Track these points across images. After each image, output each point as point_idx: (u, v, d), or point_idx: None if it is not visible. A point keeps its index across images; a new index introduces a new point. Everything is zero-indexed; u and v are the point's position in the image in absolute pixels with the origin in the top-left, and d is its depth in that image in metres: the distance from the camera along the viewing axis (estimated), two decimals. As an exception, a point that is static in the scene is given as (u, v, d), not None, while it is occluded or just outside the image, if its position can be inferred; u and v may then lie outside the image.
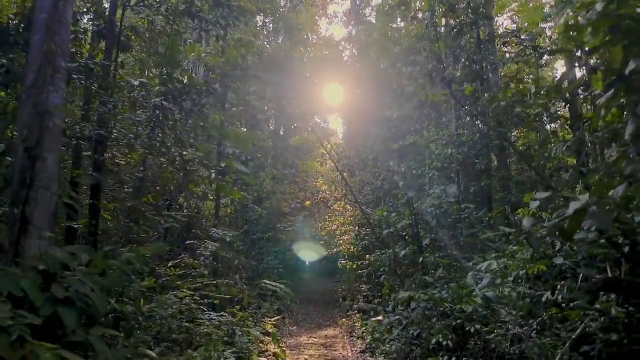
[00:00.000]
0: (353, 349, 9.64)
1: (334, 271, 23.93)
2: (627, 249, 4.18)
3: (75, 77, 6.91)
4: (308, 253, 22.17)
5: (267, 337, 9.50)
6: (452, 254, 9.27)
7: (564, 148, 6.54)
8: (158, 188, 9.20)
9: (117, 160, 7.97)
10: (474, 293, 6.02)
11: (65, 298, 4.12)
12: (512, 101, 9.21)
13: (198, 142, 9.45)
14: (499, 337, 5.43)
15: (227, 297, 9.31)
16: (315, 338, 11.24)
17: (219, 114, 10.60)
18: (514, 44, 13.72)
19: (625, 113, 4.42)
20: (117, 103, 7.23)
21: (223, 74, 10.46)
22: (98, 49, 8.42)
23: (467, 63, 10.46)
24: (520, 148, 11.59)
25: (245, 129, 17.31)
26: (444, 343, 6.17)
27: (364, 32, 16.41)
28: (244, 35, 13.59)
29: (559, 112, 11.74)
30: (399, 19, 13.66)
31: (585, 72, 12.78)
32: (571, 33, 4.02)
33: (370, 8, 24.24)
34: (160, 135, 7.85)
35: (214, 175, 9.60)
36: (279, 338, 9.90)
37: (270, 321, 11.01)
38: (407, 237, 11.22)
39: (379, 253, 12.16)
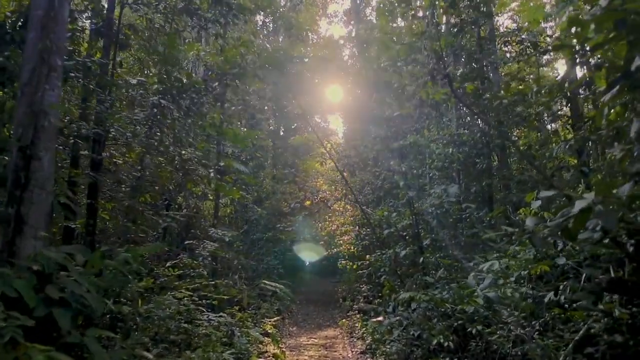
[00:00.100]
0: (353, 350, 9.58)
1: (334, 271, 23.88)
2: (631, 249, 4.12)
3: (73, 75, 6.84)
4: (308, 253, 22.13)
5: (266, 338, 9.44)
6: (453, 254, 9.21)
7: (566, 147, 6.47)
8: (157, 187, 9.13)
9: (114, 160, 7.90)
10: (475, 293, 5.96)
11: (60, 299, 4.06)
12: (513, 100, 9.16)
13: (197, 141, 9.39)
14: (500, 338, 5.37)
15: (226, 297, 9.24)
16: (315, 338, 11.18)
17: (217, 112, 10.54)
18: (514, 43, 13.67)
19: (628, 111, 4.36)
20: (115, 101, 7.15)
21: (222, 72, 10.40)
22: (96, 48, 8.36)
23: (468, 61, 10.40)
24: (521, 147, 11.52)
25: (245, 129, 17.26)
26: (445, 344, 6.10)
27: (365, 31, 16.36)
28: (243, 34, 13.54)
29: (559, 112, 11.67)
30: (399, 19, 13.61)
31: (585, 70, 12.72)
32: (573, 29, 3.95)
33: (370, 8, 24.18)
34: (158, 133, 7.79)
35: (212, 175, 9.53)
36: (279, 339, 9.84)
37: (269, 322, 10.95)
38: (407, 237, 11.16)
39: (379, 253, 12.10)
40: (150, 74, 9.28)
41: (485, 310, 5.85)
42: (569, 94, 8.81)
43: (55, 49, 4.87)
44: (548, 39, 12.94)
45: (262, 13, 20.54)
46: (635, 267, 4.40)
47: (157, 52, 8.37)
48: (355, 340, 10.53)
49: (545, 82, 13.87)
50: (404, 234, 11.27)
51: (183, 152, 8.18)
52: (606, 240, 4.15)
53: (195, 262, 9.10)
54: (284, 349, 9.30)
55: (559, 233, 3.42)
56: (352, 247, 17.42)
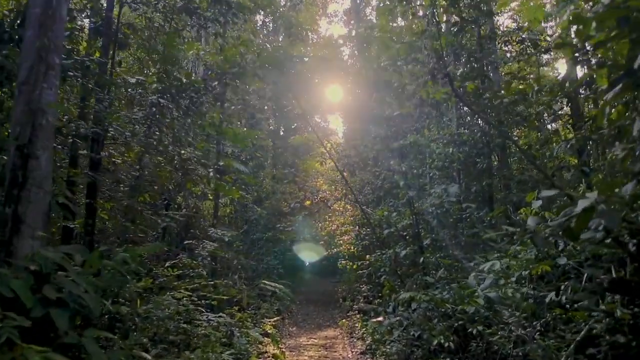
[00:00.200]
0: (353, 350, 9.55)
1: (334, 271, 23.85)
2: (633, 248, 4.08)
3: (72, 74, 6.81)
4: (308, 253, 22.10)
5: (266, 338, 9.41)
6: (453, 254, 9.18)
7: (568, 146, 6.43)
8: (156, 187, 9.09)
9: (113, 159, 7.86)
10: (476, 294, 5.92)
11: (58, 299, 4.02)
12: (514, 99, 9.12)
13: (196, 141, 9.35)
14: (501, 338, 5.33)
15: (226, 297, 9.20)
16: (314, 339, 11.15)
17: (217, 112, 10.50)
18: (514, 43, 13.64)
19: (629, 110, 4.33)
20: (114, 100, 7.12)
21: (221, 72, 10.36)
22: (95, 47, 8.32)
23: (468, 60, 10.37)
24: (522, 147, 11.49)
25: (245, 128, 17.22)
26: (445, 344, 6.07)
27: (365, 29, 16.31)
28: (243, 33, 13.50)
29: (559, 112, 11.65)
30: (399, 19, 13.57)
31: (586, 70, 12.69)
32: (573, 27, 3.92)
33: (370, 7, 24.15)
34: (157, 133, 7.75)
35: (212, 174, 9.49)
36: (278, 339, 9.81)
37: (269, 322, 10.92)
38: (407, 237, 11.12)
39: (379, 253, 12.07)
40: (150, 74, 9.25)
41: (486, 310, 5.81)
42: (571, 93, 8.78)
43: (53, 47, 4.84)
44: (548, 39, 12.92)
45: (262, 13, 20.51)
46: (637, 267, 4.37)
47: (156, 51, 8.33)
48: (355, 340, 10.50)
49: (546, 81, 13.85)
50: (404, 233, 11.23)
51: (182, 151, 8.15)
52: (608, 240, 4.13)
53: (194, 262, 9.06)
54: (283, 349, 9.27)
55: (561, 233, 3.39)
56: (352, 247, 17.39)
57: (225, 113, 11.91)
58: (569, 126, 12.30)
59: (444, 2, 8.90)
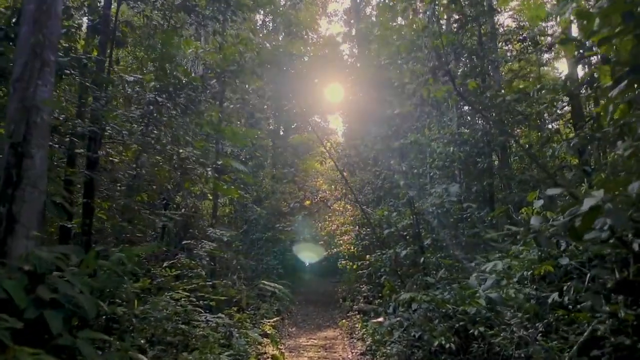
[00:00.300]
0: (353, 351, 9.48)
1: (334, 271, 23.77)
2: (637, 248, 4.02)
3: (69, 72, 6.73)
4: (308, 253, 22.02)
5: (265, 339, 9.33)
6: (454, 254, 9.11)
7: (571, 145, 6.37)
8: (154, 187, 9.02)
9: (111, 158, 7.79)
10: (477, 294, 5.85)
11: (52, 300, 3.95)
12: (515, 98, 9.06)
13: (196, 140, 9.28)
14: (503, 340, 5.26)
15: (225, 298, 9.13)
16: (314, 339, 11.08)
17: (216, 111, 10.43)
18: (515, 42, 13.59)
19: (633, 108, 4.25)
20: (111, 99, 7.04)
21: (220, 70, 10.29)
22: (92, 45, 8.25)
23: (471, 57, 10.30)
24: (524, 145, 11.43)
25: (244, 128, 17.15)
26: (446, 346, 5.99)
27: (365, 28, 16.24)
28: (242, 31, 13.42)
29: (559, 111, 11.59)
30: (399, 18, 13.51)
31: (587, 69, 12.64)
32: (575, 25, 3.86)
33: (370, 7, 24.09)
34: (155, 131, 7.68)
35: (210, 173, 9.42)
36: (278, 340, 9.73)
37: (268, 322, 10.84)
38: (408, 237, 11.05)
39: (379, 253, 12.00)
40: (147, 72, 9.18)
41: (487, 311, 5.74)
42: (573, 92, 8.71)
43: (48, 44, 4.76)
44: (549, 38, 12.86)
45: (261, 12, 20.46)
46: (640, 267, 4.30)
47: (154, 49, 8.26)
48: (355, 341, 10.43)
49: (546, 81, 13.79)
50: (405, 233, 11.17)
51: (181, 150, 8.07)
52: (611, 240, 4.06)
53: (193, 262, 8.99)
54: (283, 350, 9.20)
55: (564, 232, 3.32)
56: (352, 247, 17.31)
57: (225, 112, 11.84)
58: (569, 125, 12.24)
59: (444, 1, 8.85)
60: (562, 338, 4.83)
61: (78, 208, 7.60)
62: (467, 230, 10.24)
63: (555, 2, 12.78)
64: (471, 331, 5.72)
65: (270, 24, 24.43)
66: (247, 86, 13.70)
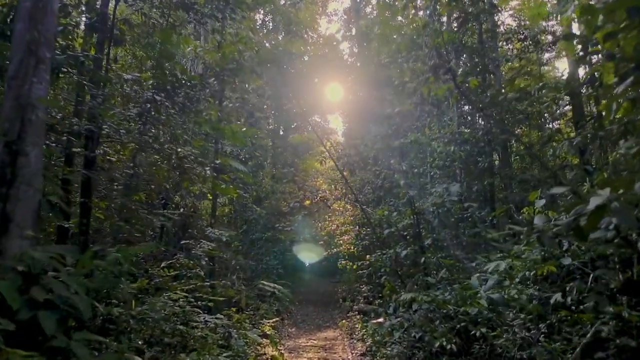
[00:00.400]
0: (353, 352, 9.41)
1: (334, 271, 23.72)
2: (642, 248, 3.96)
3: (66, 70, 6.67)
4: (307, 253, 21.96)
5: (264, 340, 9.26)
6: (455, 254, 9.05)
7: (573, 144, 6.30)
8: (152, 186, 8.95)
9: (108, 157, 7.72)
10: (479, 295, 5.79)
11: (47, 301, 3.87)
12: (516, 97, 9.00)
13: (195, 139, 9.21)
14: (505, 341, 5.19)
15: (224, 298, 9.05)
16: (314, 340, 11.01)
17: (215, 110, 10.36)
18: (516, 41, 13.54)
19: (636, 106, 4.19)
20: (108, 96, 6.97)
21: (219, 69, 10.22)
22: (90, 43, 8.18)
23: (472, 55, 10.24)
24: (525, 144, 11.37)
25: (244, 127, 17.09)
26: (448, 347, 5.93)
27: (365, 26, 16.17)
28: (242, 30, 13.35)
29: (560, 110, 11.54)
30: (399, 17, 13.44)
31: (588, 68, 12.58)
32: (576, 23, 3.79)
33: (370, 6, 24.01)
34: (152, 130, 7.60)
35: (209, 173, 9.34)
36: (277, 340, 9.66)
37: (268, 323, 10.77)
38: (408, 237, 10.99)
39: (379, 253, 11.94)
40: (145, 70, 9.11)
41: (489, 312, 5.68)
42: (574, 91, 8.65)
43: (44, 41, 4.69)
44: (550, 37, 12.81)
45: (261, 11, 20.40)
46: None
47: (152, 47, 8.19)
48: (355, 341, 10.36)
49: (547, 80, 13.72)
50: (405, 233, 11.10)
51: (179, 149, 8.00)
52: (616, 240, 3.99)
53: (191, 262, 8.91)
54: (282, 351, 9.13)
55: (568, 232, 3.25)
56: (352, 247, 17.26)
57: (224, 111, 11.77)
58: (570, 124, 12.18)
59: (445, -1, 8.77)
60: (565, 339, 4.76)
61: (75, 208, 7.53)
62: (468, 230, 10.18)
63: (555, 2, 12.73)
64: (473, 332, 5.66)
65: (270, 23, 24.37)
66: (246, 85, 13.63)
